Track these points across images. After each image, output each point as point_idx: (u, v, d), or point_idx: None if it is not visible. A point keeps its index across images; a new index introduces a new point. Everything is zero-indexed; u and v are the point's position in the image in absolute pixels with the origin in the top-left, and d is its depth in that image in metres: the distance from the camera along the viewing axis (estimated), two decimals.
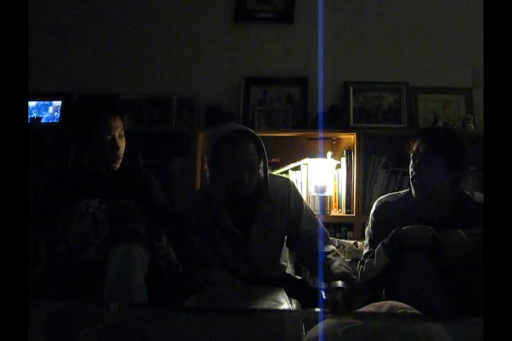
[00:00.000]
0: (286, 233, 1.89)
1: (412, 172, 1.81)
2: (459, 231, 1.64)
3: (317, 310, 1.45)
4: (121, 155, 1.84)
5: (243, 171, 1.71)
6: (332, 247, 1.88)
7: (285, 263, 1.94)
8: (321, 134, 2.47)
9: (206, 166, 1.89)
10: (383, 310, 1.10)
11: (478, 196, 1.84)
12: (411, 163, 1.83)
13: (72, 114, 2.11)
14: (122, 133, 1.83)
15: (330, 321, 0.99)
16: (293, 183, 1.92)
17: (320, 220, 1.95)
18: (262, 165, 1.77)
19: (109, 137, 1.79)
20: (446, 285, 1.61)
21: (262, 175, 1.79)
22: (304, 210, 1.88)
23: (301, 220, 1.87)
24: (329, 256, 1.80)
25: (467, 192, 1.87)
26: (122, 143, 1.83)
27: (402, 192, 1.96)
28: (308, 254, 1.86)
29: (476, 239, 1.58)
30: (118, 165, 1.85)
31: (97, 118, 1.78)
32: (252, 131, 1.77)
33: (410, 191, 1.89)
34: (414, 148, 1.82)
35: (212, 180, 1.81)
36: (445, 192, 1.82)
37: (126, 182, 1.86)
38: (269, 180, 1.82)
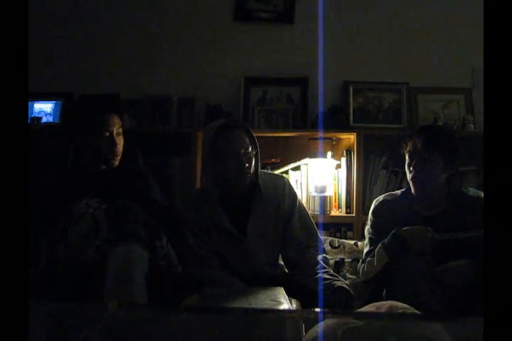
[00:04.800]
0: (281, 232, 1.88)
1: (411, 172, 1.83)
2: (459, 262, 1.66)
3: (317, 310, 1.45)
4: (119, 153, 1.86)
5: (242, 158, 1.75)
6: (320, 257, 1.81)
7: None
8: (321, 134, 2.47)
9: (203, 165, 1.90)
10: (383, 310, 1.10)
11: (473, 191, 1.87)
12: (407, 161, 1.85)
13: (72, 112, 2.13)
14: (120, 130, 1.86)
15: (330, 321, 0.99)
16: (288, 181, 1.92)
17: (318, 229, 1.92)
18: (254, 157, 1.80)
19: (107, 134, 1.81)
20: (445, 285, 1.62)
21: (254, 168, 1.81)
22: (296, 209, 1.88)
23: (291, 219, 1.86)
24: (318, 271, 1.75)
25: (462, 188, 1.90)
26: (120, 141, 1.86)
27: (399, 191, 1.98)
28: (296, 265, 1.84)
29: (475, 268, 1.60)
30: (116, 163, 1.86)
31: (95, 116, 1.81)
32: (240, 121, 1.81)
33: (408, 189, 1.91)
34: (410, 147, 1.83)
35: (211, 176, 1.83)
36: (442, 187, 1.84)
37: (125, 182, 1.86)
38: (262, 176, 1.85)
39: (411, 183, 1.85)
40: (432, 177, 1.81)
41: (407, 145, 1.85)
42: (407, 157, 1.86)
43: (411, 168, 1.82)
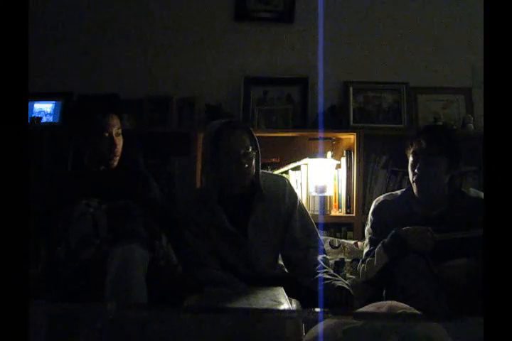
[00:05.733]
0: (281, 232, 1.88)
1: (415, 173, 1.82)
2: (459, 261, 1.66)
3: (317, 310, 1.45)
4: (119, 153, 1.86)
5: (242, 158, 1.75)
6: (320, 258, 1.82)
7: None
8: (321, 134, 2.47)
9: (203, 165, 1.89)
10: (383, 310, 1.10)
11: (473, 192, 1.88)
12: (411, 162, 1.85)
13: (71, 112, 2.13)
14: (119, 131, 1.86)
15: (330, 321, 0.99)
16: (288, 181, 1.93)
17: (318, 229, 1.93)
18: (255, 157, 1.79)
19: (107, 134, 1.81)
20: (445, 285, 1.63)
21: (255, 168, 1.80)
22: (296, 209, 1.88)
23: (292, 219, 1.86)
24: (318, 271, 1.75)
25: (463, 189, 1.91)
26: (119, 141, 1.86)
27: (399, 191, 1.98)
28: (296, 264, 1.84)
29: (475, 267, 1.60)
30: (115, 163, 1.86)
31: (95, 116, 1.81)
32: (241, 121, 1.80)
33: (408, 189, 1.91)
34: (415, 148, 1.83)
35: (211, 175, 1.83)
36: (444, 188, 1.85)
37: (125, 182, 1.86)
38: (263, 176, 1.85)
39: (414, 184, 1.84)
40: (435, 179, 1.81)
41: (412, 146, 1.84)
42: (410, 158, 1.85)
43: (415, 170, 1.82)
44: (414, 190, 1.85)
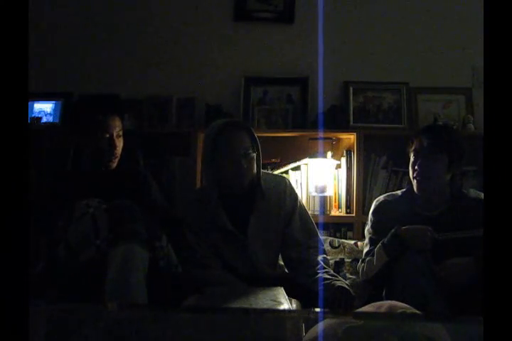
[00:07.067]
0: (282, 233, 1.88)
1: (415, 170, 1.82)
2: (459, 260, 1.66)
3: (317, 310, 1.45)
4: (118, 155, 1.86)
5: (241, 159, 1.74)
6: (320, 258, 1.82)
7: None
8: (321, 134, 2.47)
9: (202, 165, 1.89)
10: (383, 309, 1.10)
11: (473, 192, 1.88)
12: (412, 159, 1.85)
13: (72, 113, 2.13)
14: (120, 133, 1.86)
15: (330, 321, 0.99)
16: (289, 181, 1.93)
17: (318, 229, 1.93)
18: (255, 157, 1.79)
19: (107, 135, 1.81)
20: (445, 285, 1.63)
21: (256, 169, 1.80)
22: (297, 209, 1.88)
23: (292, 220, 1.86)
24: (318, 271, 1.76)
25: (463, 190, 1.90)
26: (120, 143, 1.86)
27: (399, 191, 1.98)
28: (296, 265, 1.84)
29: (475, 266, 1.60)
30: (114, 165, 1.86)
31: (96, 117, 1.81)
32: (242, 122, 1.81)
33: (408, 190, 1.91)
34: (416, 145, 1.83)
35: (210, 175, 1.82)
36: (444, 188, 1.84)
37: (125, 182, 1.86)
38: (263, 176, 1.85)
39: (414, 182, 1.84)
40: (435, 176, 1.81)
41: (413, 144, 1.84)
42: (411, 155, 1.85)
43: (415, 166, 1.82)
44: (414, 187, 1.84)
